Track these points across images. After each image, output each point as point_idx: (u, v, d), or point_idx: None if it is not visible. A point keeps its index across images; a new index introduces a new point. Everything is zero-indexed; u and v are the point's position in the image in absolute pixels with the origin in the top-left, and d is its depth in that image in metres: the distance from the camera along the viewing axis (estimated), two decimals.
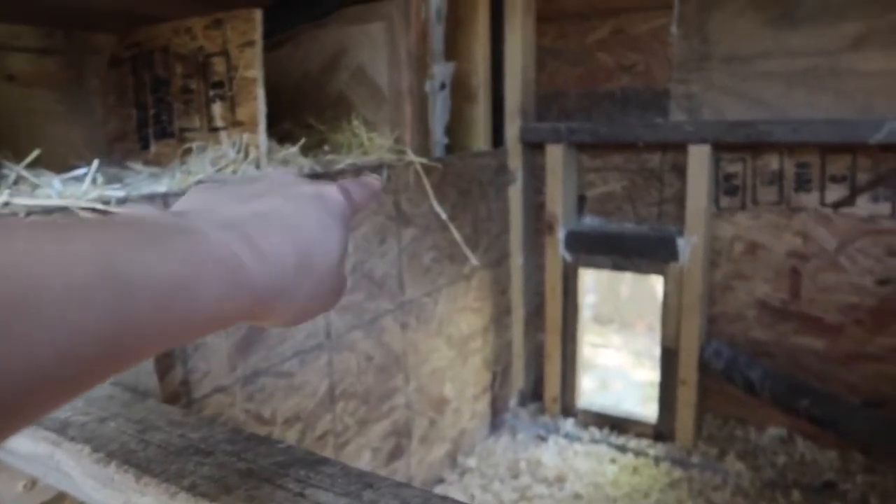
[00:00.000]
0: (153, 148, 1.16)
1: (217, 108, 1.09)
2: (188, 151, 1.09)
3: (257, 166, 1.04)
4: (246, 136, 1.05)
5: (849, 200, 1.50)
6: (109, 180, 0.96)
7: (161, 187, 0.88)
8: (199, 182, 0.89)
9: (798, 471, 1.56)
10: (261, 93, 1.04)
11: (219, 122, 1.09)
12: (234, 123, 1.07)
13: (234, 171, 1.01)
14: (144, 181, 0.97)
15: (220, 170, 1.00)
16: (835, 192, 1.51)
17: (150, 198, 0.84)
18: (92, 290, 0.23)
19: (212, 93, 1.09)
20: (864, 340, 1.53)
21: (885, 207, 1.47)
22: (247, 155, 1.04)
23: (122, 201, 0.79)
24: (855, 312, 1.53)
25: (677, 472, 1.62)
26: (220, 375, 0.96)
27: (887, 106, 1.43)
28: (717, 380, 1.68)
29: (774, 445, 1.66)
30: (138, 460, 0.55)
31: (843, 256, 1.52)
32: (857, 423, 1.34)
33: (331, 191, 0.37)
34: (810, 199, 1.54)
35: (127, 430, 0.61)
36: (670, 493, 1.53)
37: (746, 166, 1.60)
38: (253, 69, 1.04)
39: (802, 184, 1.54)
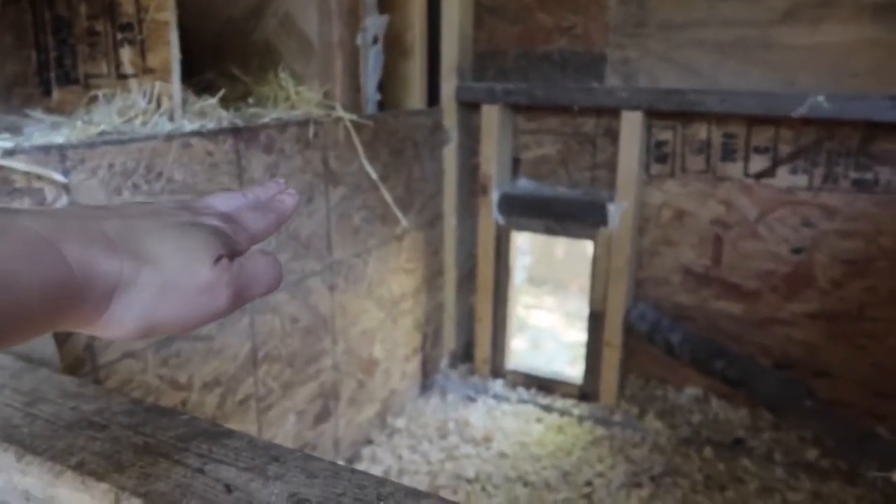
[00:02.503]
0: (55, 94, 1.07)
1: (126, 53, 1.00)
2: (94, 100, 1.01)
3: (171, 118, 0.98)
4: (158, 85, 0.98)
5: (770, 171, 1.54)
6: (6, 128, 0.88)
7: (59, 138, 0.81)
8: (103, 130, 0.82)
9: (711, 428, 1.64)
10: (174, 37, 0.97)
11: (128, 69, 1.00)
12: (145, 70, 0.99)
13: (144, 123, 0.94)
14: (43, 131, 0.89)
15: (128, 120, 0.93)
16: (758, 163, 1.56)
17: (45, 149, 0.77)
18: None
19: (120, 36, 1.01)
20: (777, 306, 1.61)
21: (802, 179, 1.52)
22: (159, 105, 0.97)
23: (9, 153, 0.71)
24: (770, 279, 1.60)
25: (600, 431, 1.67)
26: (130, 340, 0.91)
27: (811, 80, 1.47)
28: (641, 342, 1.73)
29: (691, 404, 1.73)
30: (22, 436, 0.51)
31: (762, 225, 1.58)
32: (766, 384, 1.41)
33: (206, 224, 0.37)
34: (735, 168, 1.58)
35: (12, 403, 0.57)
36: (592, 451, 1.59)
37: (677, 134, 1.62)
38: (165, 11, 0.96)
39: (728, 154, 1.58)
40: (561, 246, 2.50)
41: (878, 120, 1.35)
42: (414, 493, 0.47)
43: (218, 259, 0.35)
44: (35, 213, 0.31)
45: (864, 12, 1.41)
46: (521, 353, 1.97)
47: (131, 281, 0.32)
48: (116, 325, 0.33)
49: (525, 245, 2.20)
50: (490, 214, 1.77)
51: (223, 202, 0.41)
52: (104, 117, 0.92)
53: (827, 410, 1.28)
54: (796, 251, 1.56)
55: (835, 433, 1.17)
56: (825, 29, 1.44)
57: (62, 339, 0.80)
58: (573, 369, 1.86)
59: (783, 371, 1.60)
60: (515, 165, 1.82)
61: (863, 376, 1.56)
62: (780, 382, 1.40)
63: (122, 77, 1.02)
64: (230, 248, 0.37)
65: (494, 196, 1.75)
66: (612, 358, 1.73)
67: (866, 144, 1.45)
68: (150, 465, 0.48)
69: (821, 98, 1.34)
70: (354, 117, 1.31)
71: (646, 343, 1.72)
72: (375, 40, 1.44)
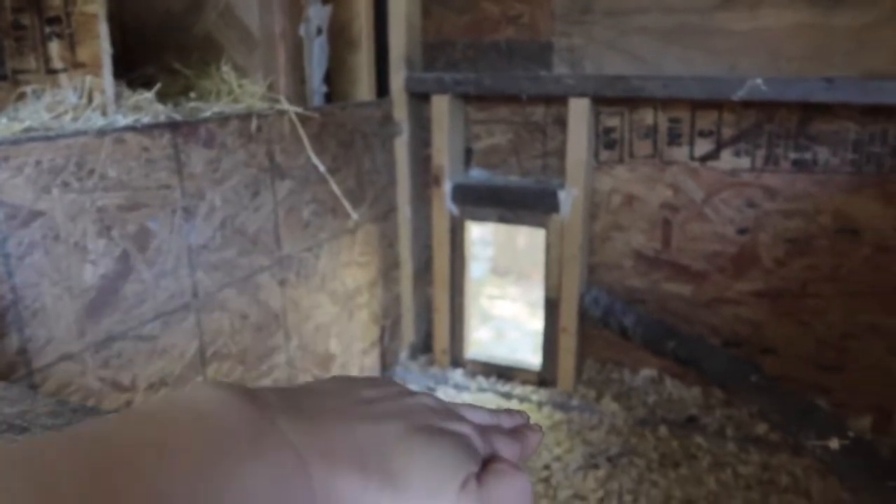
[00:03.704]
0: None
1: (55, 48, 0.97)
2: (22, 96, 0.98)
3: (103, 113, 0.95)
4: (89, 80, 0.95)
5: (714, 154, 1.58)
6: None
7: None
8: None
9: (666, 408, 1.68)
10: (104, 30, 0.94)
11: (57, 64, 0.97)
12: (75, 65, 0.96)
13: (75, 119, 0.91)
14: None
15: (57, 116, 0.90)
16: (702, 146, 1.59)
17: None
18: None
19: (48, 30, 0.97)
20: (725, 286, 1.65)
21: (745, 161, 1.56)
22: (90, 100, 0.94)
23: None
24: (718, 260, 1.64)
25: (558, 415, 1.69)
26: (67, 342, 0.89)
27: (750, 64, 1.50)
28: (596, 326, 1.76)
29: (646, 386, 1.77)
30: None
31: (709, 207, 1.62)
32: (715, 363, 1.44)
33: (459, 433, 0.31)
34: (681, 152, 1.61)
35: None
36: (550, 435, 1.61)
37: (624, 120, 1.64)
38: (93, 3, 0.93)
39: (674, 138, 1.61)
40: (523, 236, 2.52)
41: (815, 101, 1.39)
42: None
43: (466, 481, 0.29)
44: (290, 411, 0.26)
45: None
46: (486, 343, 1.98)
47: (375, 501, 0.27)
48: None
49: (488, 236, 2.21)
50: (444, 205, 1.77)
51: (472, 414, 0.36)
52: (32, 114, 0.90)
53: (772, 386, 1.32)
54: (741, 232, 1.60)
55: (778, 407, 1.21)
56: (763, 14, 1.48)
57: None
58: (536, 357, 1.88)
59: (732, 349, 1.64)
60: (467, 155, 1.83)
61: (806, 351, 1.61)
62: (728, 360, 1.43)
63: (52, 72, 0.99)
64: (477, 468, 0.31)
65: (447, 187, 1.75)
66: (568, 343, 1.75)
67: (804, 126, 1.50)
68: None
69: (759, 81, 1.38)
70: (299, 110, 1.29)
71: (601, 327, 1.74)
72: (319, 31, 1.42)
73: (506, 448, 0.34)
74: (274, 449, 0.24)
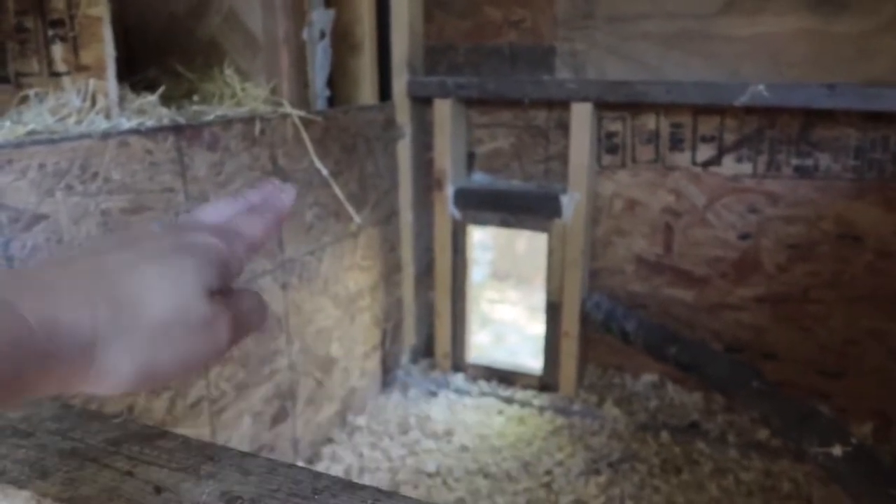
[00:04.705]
0: None
1: (58, 51, 0.97)
2: (25, 99, 0.98)
3: (107, 116, 0.95)
4: (92, 83, 0.95)
5: (716, 160, 1.58)
6: None
7: None
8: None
9: (667, 413, 1.68)
10: (107, 33, 0.94)
11: (60, 67, 0.97)
12: (79, 68, 0.96)
13: (79, 122, 0.91)
14: None
15: (60, 119, 0.90)
16: (705, 152, 1.59)
17: None
18: None
19: (51, 33, 0.97)
20: (726, 291, 1.65)
21: (747, 167, 1.56)
22: (94, 103, 0.94)
23: None
24: (719, 265, 1.64)
25: (560, 420, 1.69)
26: None
27: (752, 70, 1.51)
28: (598, 331, 1.76)
29: (647, 391, 1.77)
30: None
31: (711, 213, 1.62)
32: (716, 368, 1.44)
33: (195, 244, 0.33)
34: (683, 157, 1.61)
35: None
36: (552, 441, 1.60)
37: (626, 125, 1.64)
38: (97, 6, 0.93)
39: (676, 143, 1.61)
40: (523, 241, 2.52)
41: (816, 107, 1.39)
42: (349, 486, 0.46)
43: (211, 293, 0.32)
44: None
45: (801, 3, 1.45)
46: (485, 347, 1.98)
47: (113, 328, 0.29)
48: (112, 379, 0.29)
49: (488, 240, 2.21)
50: (446, 209, 1.77)
51: (212, 213, 0.38)
52: (35, 117, 0.90)
53: (774, 391, 1.32)
54: (743, 237, 1.60)
55: (780, 413, 1.21)
56: (764, 20, 1.48)
57: None
58: (536, 361, 1.88)
59: (733, 354, 1.64)
60: (470, 160, 1.83)
61: (808, 357, 1.61)
62: (729, 366, 1.43)
63: (55, 75, 0.99)
64: (224, 274, 0.33)
65: (450, 191, 1.75)
66: (570, 348, 1.75)
67: (806, 132, 1.50)
68: (76, 469, 0.47)
69: (761, 87, 1.38)
70: (302, 113, 1.29)
71: (602, 332, 1.74)
72: (322, 35, 1.43)
73: (254, 227, 0.37)
74: None
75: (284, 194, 0.41)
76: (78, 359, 0.28)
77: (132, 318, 0.29)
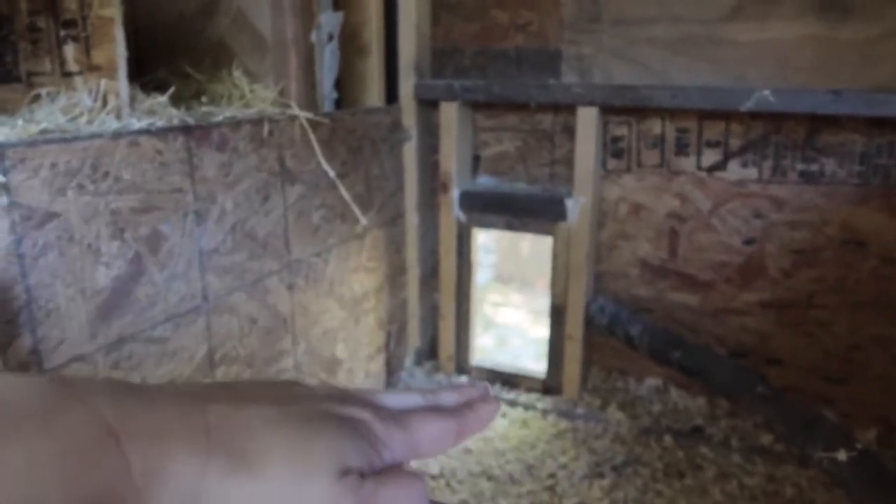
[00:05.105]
0: None
1: (70, 51, 0.98)
2: (37, 98, 0.98)
3: (118, 116, 0.96)
4: (104, 83, 0.96)
5: (721, 165, 1.58)
6: None
7: None
8: None
9: (671, 417, 1.68)
10: (119, 34, 0.95)
11: (72, 66, 0.98)
12: (91, 68, 0.97)
13: (90, 122, 0.92)
14: None
15: (72, 119, 0.90)
16: (710, 157, 1.59)
17: None
18: None
19: (63, 33, 0.98)
20: (731, 296, 1.65)
21: (752, 172, 1.56)
22: (105, 103, 0.95)
23: None
24: (724, 270, 1.64)
25: (563, 424, 1.69)
26: (79, 343, 0.89)
27: (758, 75, 1.51)
28: (602, 334, 1.76)
29: (651, 395, 1.77)
30: None
31: (716, 218, 1.62)
32: (721, 373, 1.45)
33: (344, 416, 0.27)
34: (688, 162, 1.62)
35: None
36: (555, 444, 1.60)
37: (632, 130, 1.65)
38: (110, 7, 0.94)
39: (682, 148, 1.61)
40: (527, 244, 2.52)
41: (822, 113, 1.39)
42: None
43: (346, 472, 0.26)
44: (118, 395, 0.24)
45: (807, 9, 1.45)
46: (489, 349, 1.98)
47: (218, 490, 0.24)
48: None
49: (491, 243, 2.22)
50: (451, 212, 1.78)
51: (395, 399, 0.32)
52: (47, 116, 0.90)
53: (778, 396, 1.32)
54: (748, 242, 1.60)
55: (784, 418, 1.21)
56: (771, 25, 1.48)
57: (5, 344, 0.78)
58: (538, 364, 1.88)
59: (737, 359, 1.64)
60: (475, 162, 1.83)
61: (812, 363, 1.61)
62: (733, 370, 1.43)
63: (67, 75, 0.99)
64: (368, 458, 0.27)
65: (455, 193, 1.76)
66: (574, 351, 1.75)
67: (811, 137, 1.50)
68: None
69: (767, 92, 1.38)
70: (310, 115, 1.30)
71: (606, 336, 1.74)
72: (331, 37, 1.43)
73: (428, 432, 0.30)
74: (70, 420, 0.22)
75: (487, 409, 0.32)
76: None
77: (241, 481, 0.24)
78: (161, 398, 0.25)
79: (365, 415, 0.28)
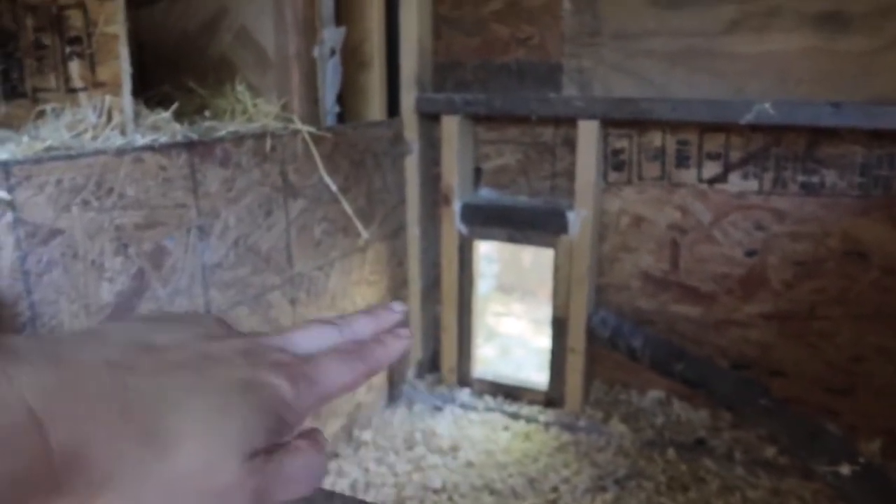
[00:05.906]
0: (2, 109, 1.04)
1: (75, 67, 0.99)
2: (42, 114, 0.99)
3: (122, 132, 0.96)
4: (108, 99, 0.96)
5: (722, 177, 1.59)
6: None
7: (3, 154, 0.80)
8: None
9: (674, 430, 1.67)
10: (124, 51, 0.96)
11: (77, 83, 0.99)
12: (95, 84, 0.98)
13: (95, 138, 0.92)
14: None
15: (77, 135, 0.91)
16: (710, 169, 1.60)
17: None
18: None
19: (68, 49, 0.99)
20: (733, 308, 1.65)
21: (753, 184, 1.57)
22: (110, 119, 0.96)
23: None
24: (726, 282, 1.64)
25: (566, 436, 1.69)
26: None
27: (758, 88, 1.52)
28: (604, 347, 1.76)
29: (654, 407, 1.76)
30: None
31: (717, 230, 1.62)
32: (723, 385, 1.44)
33: (269, 381, 0.28)
34: (689, 174, 1.62)
35: None
36: (558, 457, 1.60)
37: (632, 142, 1.65)
38: (115, 24, 0.95)
39: (682, 160, 1.62)
40: (528, 254, 2.52)
41: (822, 125, 1.40)
42: (327, 495, 0.47)
43: (254, 454, 0.27)
44: (39, 362, 0.24)
45: (806, 21, 1.46)
46: (491, 360, 1.98)
47: (132, 471, 0.24)
48: None
49: (493, 253, 2.22)
50: (453, 224, 1.78)
51: (308, 339, 0.33)
52: (52, 132, 0.91)
53: (781, 408, 1.32)
54: (749, 254, 1.60)
55: (788, 430, 1.21)
56: (770, 38, 1.49)
57: None
58: (541, 375, 1.87)
59: (740, 371, 1.64)
60: (477, 175, 1.84)
61: (814, 374, 1.61)
62: (736, 382, 1.43)
63: (72, 91, 1.00)
64: (278, 433, 0.28)
65: (456, 206, 1.76)
66: (576, 364, 1.75)
67: (812, 149, 1.51)
68: None
69: (767, 105, 1.39)
70: (313, 129, 1.31)
71: (609, 348, 1.74)
72: (333, 52, 1.44)
73: (339, 376, 0.31)
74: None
75: (397, 342, 0.34)
76: (83, 496, 0.24)
77: (155, 463, 0.25)
78: (82, 373, 0.25)
79: (280, 379, 0.29)
